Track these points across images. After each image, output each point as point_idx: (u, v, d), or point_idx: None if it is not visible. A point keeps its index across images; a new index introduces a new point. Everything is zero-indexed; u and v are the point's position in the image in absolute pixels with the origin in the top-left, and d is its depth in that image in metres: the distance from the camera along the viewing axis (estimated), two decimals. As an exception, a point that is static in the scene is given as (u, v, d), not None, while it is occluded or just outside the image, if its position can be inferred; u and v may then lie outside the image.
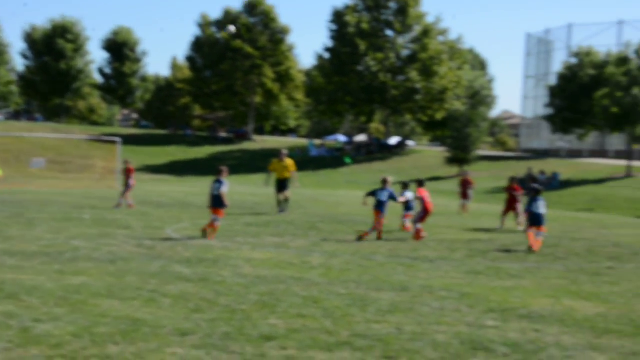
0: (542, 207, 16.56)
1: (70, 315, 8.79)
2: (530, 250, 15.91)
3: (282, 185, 25.45)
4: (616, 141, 68.76)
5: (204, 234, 17.40)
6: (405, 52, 74.23)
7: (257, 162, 68.28)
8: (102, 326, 8.26)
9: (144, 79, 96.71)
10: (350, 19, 72.06)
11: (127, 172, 27.54)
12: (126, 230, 18.62)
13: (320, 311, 9.37)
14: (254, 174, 62.65)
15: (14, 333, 7.82)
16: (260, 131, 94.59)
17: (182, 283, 11.20)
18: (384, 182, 18.77)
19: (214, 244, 16.27)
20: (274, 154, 72.75)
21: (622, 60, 52.79)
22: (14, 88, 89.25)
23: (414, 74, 71.18)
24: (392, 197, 18.55)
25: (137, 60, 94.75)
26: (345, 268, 13.10)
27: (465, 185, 29.04)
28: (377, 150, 75.58)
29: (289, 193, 25.62)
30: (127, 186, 27.00)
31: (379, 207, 18.29)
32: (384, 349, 7.62)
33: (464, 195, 28.90)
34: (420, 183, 19.32)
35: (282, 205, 25.41)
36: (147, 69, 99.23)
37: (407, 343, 7.87)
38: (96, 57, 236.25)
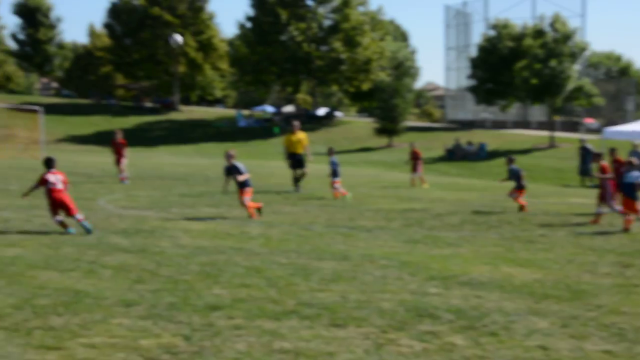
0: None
1: (8, 287, 8.54)
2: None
3: (296, 160, 22.50)
4: (538, 112, 70.30)
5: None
6: (327, 22, 74.12)
7: (185, 133, 67.47)
8: (42, 298, 8.06)
9: (61, 46, 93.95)
10: (269, -13, 71.27)
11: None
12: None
13: (264, 281, 9.34)
14: (184, 144, 61.95)
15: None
16: (186, 101, 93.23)
17: (120, 254, 11.01)
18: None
19: (149, 215, 16.03)
20: (202, 124, 72.36)
21: (538, 33, 53.83)
22: None
23: (337, 45, 71.20)
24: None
25: (51, 26, 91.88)
26: (285, 238, 13.09)
27: (415, 157, 28.21)
28: (306, 121, 75.60)
29: (307, 169, 22.79)
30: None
31: None
32: (331, 317, 7.64)
33: (415, 168, 28.00)
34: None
35: (299, 182, 22.75)
36: (63, 36, 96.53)
37: (353, 311, 7.91)
38: (8, 22, 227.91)
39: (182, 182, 26.07)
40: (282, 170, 35.38)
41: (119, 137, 25.94)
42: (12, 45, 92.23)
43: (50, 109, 63.90)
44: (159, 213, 16.54)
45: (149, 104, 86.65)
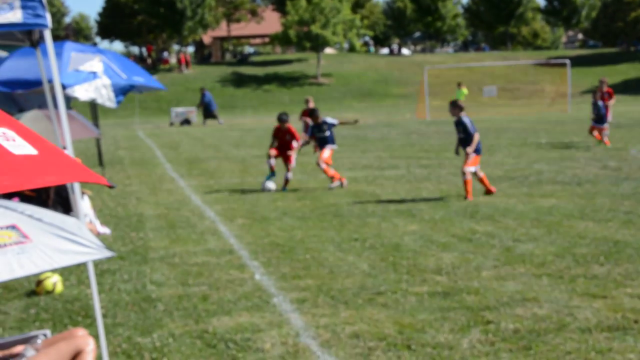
0: None
1: (547, 235, 8.82)
2: None
3: None
4: None
5: None
6: None
7: None
8: (582, 247, 8.14)
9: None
10: None
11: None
12: (587, 153, 18.16)
13: None
14: None
15: (498, 252, 8.10)
16: None
17: (660, 205, 10.54)
18: None
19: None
20: None
21: None
22: (460, 20, 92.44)
23: None
24: None
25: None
26: None
27: None
28: None
29: None
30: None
31: None
32: None
33: None
34: None
35: None
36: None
37: None
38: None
39: None
40: None
41: (605, 86, 23.03)
42: (540, 2, 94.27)
43: (576, 61, 63.78)
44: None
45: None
